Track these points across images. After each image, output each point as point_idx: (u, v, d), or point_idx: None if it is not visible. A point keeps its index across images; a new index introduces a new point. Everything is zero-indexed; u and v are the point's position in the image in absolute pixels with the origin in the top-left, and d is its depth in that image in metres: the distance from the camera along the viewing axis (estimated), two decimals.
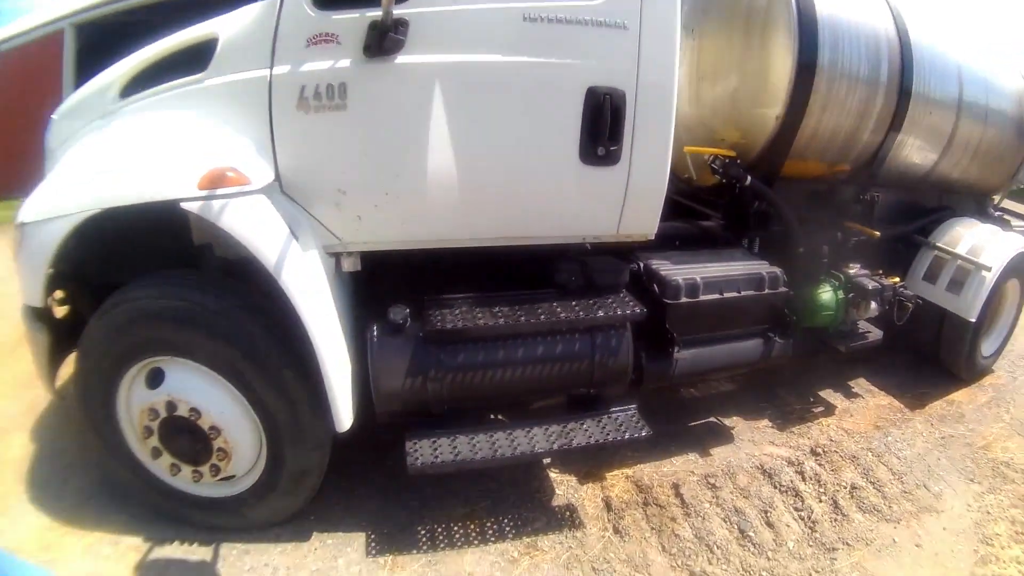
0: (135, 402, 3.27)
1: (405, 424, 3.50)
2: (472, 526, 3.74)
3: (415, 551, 3.51)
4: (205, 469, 3.31)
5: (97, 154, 3.16)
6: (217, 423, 3.21)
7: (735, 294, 4.34)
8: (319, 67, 2.92)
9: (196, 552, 3.36)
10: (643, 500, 4.21)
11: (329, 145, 3.03)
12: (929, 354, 5.95)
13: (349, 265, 3.34)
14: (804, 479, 4.46)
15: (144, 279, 3.25)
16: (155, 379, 3.22)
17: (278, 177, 3.06)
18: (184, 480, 3.38)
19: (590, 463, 4.44)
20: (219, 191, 2.88)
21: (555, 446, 3.53)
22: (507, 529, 3.80)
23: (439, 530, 3.66)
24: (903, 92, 4.92)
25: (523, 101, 3.19)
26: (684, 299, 4.15)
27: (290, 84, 2.93)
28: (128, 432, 3.37)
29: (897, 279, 5.48)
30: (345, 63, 2.91)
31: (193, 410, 3.19)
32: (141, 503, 3.55)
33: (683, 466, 4.56)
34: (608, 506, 4.13)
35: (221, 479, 3.38)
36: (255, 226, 2.94)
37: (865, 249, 5.40)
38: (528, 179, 3.35)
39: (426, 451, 3.37)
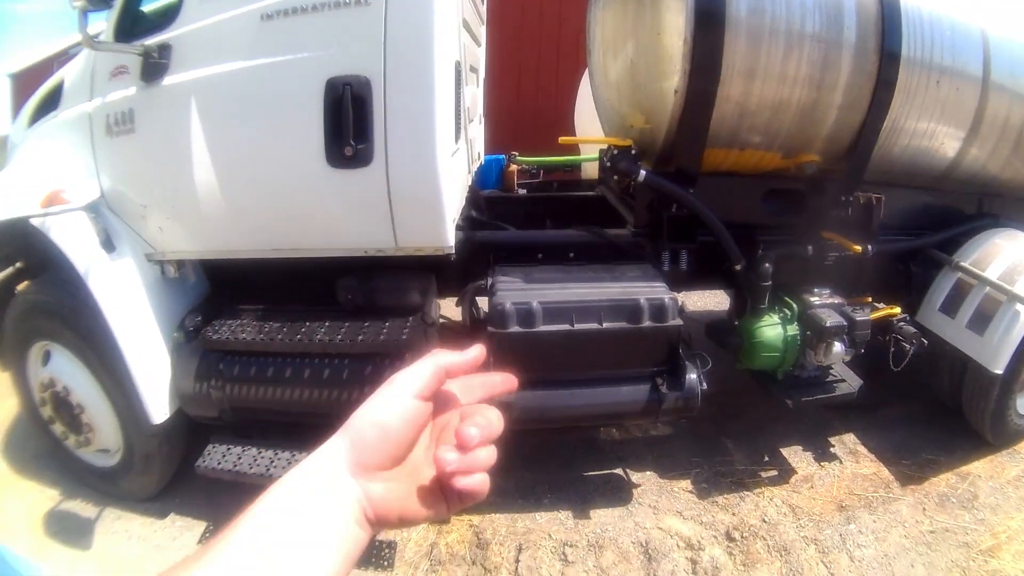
0: (36, 376, 3.53)
1: (215, 428, 3.35)
2: None
3: None
4: (81, 439, 3.47)
5: (5, 174, 3.56)
6: (81, 401, 3.38)
7: (593, 326, 3.08)
8: (117, 96, 3.00)
9: (88, 510, 3.55)
10: (472, 557, 3.18)
11: (128, 165, 3.11)
12: (952, 407, 4.01)
13: (171, 272, 3.29)
14: (695, 571, 3.07)
15: (39, 277, 3.54)
16: (46, 358, 3.48)
17: (103, 195, 3.15)
18: (72, 446, 3.58)
19: None
20: (51, 209, 3.07)
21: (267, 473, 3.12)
22: None
23: None
24: (887, 55, 3.22)
25: (266, 105, 2.82)
26: (514, 328, 3.02)
27: (101, 113, 3.06)
28: (37, 400, 3.60)
29: (898, 310, 3.72)
30: (132, 91, 2.94)
31: (64, 388, 3.39)
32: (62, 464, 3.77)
33: (546, 525, 3.36)
34: (430, 554, 3.21)
35: (99, 451, 3.52)
36: (71, 239, 3.09)
37: (855, 269, 3.72)
38: (281, 188, 2.97)
39: (216, 456, 3.16)
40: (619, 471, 3.81)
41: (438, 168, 2.79)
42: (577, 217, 4.13)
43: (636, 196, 3.59)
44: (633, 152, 3.44)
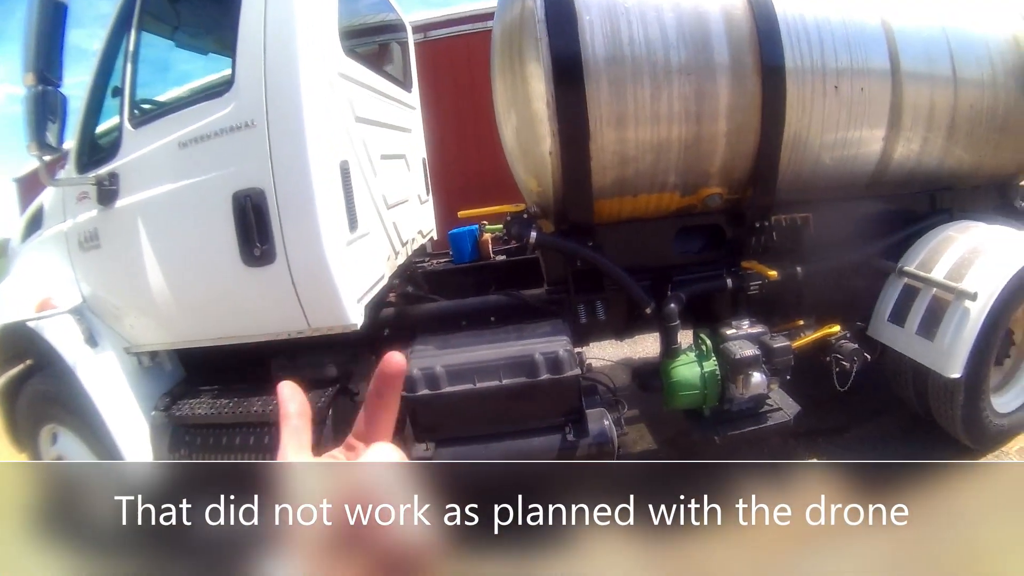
0: (48, 454, 4.00)
1: None
2: None
3: None
4: None
5: (4, 285, 4.09)
6: None
7: (494, 383, 3.22)
8: (84, 218, 3.45)
9: None
10: None
11: (100, 275, 3.58)
12: (924, 417, 3.70)
13: (146, 362, 3.72)
14: None
15: (43, 370, 3.90)
16: (54, 439, 3.93)
17: (85, 299, 3.65)
18: None
19: None
20: (43, 313, 3.59)
21: None
22: None
23: None
24: (768, 71, 3.14)
25: (192, 219, 3.23)
26: (422, 391, 3.24)
27: (73, 232, 3.54)
28: None
29: (836, 328, 3.53)
30: (94, 213, 3.39)
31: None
32: None
33: None
34: None
35: None
36: (60, 338, 3.59)
37: (791, 293, 3.61)
38: (212, 287, 3.33)
39: None
40: None
41: (326, 259, 3.12)
42: (520, 279, 4.22)
43: (542, 256, 3.65)
44: (525, 216, 3.55)
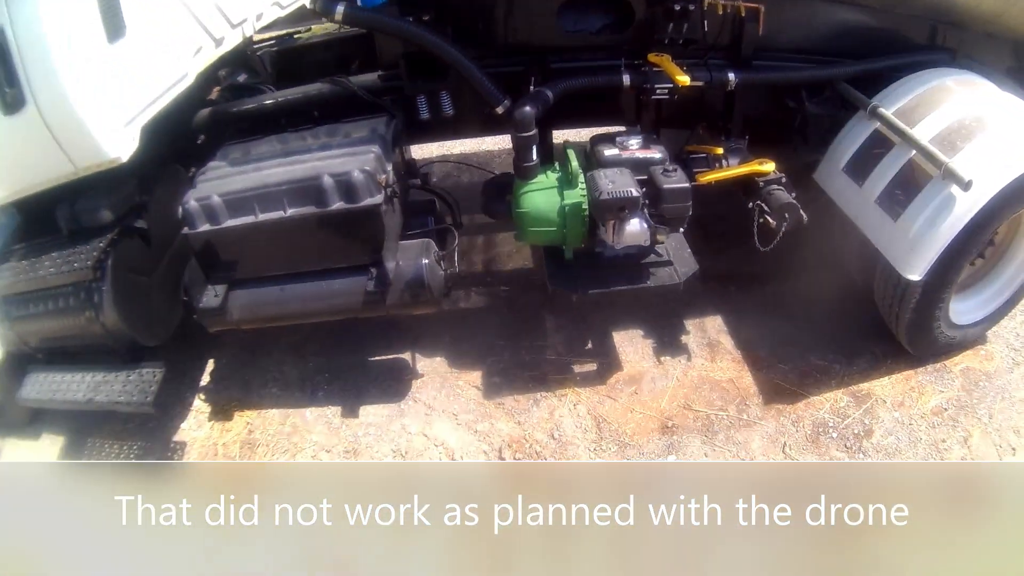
0: None
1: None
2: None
3: None
4: None
5: None
6: None
7: (278, 214, 2.50)
8: None
9: None
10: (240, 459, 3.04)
11: None
12: (862, 287, 2.87)
13: None
14: None
15: None
16: None
17: None
18: None
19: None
20: None
21: (55, 396, 3.02)
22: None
23: None
24: None
25: None
26: (204, 227, 2.59)
27: None
28: None
29: (769, 167, 2.58)
30: None
31: None
32: None
33: (312, 423, 3.05)
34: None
35: None
36: None
37: (717, 107, 2.68)
38: None
39: (33, 384, 3.17)
40: (407, 355, 3.28)
41: (64, 88, 2.58)
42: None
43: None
44: None
